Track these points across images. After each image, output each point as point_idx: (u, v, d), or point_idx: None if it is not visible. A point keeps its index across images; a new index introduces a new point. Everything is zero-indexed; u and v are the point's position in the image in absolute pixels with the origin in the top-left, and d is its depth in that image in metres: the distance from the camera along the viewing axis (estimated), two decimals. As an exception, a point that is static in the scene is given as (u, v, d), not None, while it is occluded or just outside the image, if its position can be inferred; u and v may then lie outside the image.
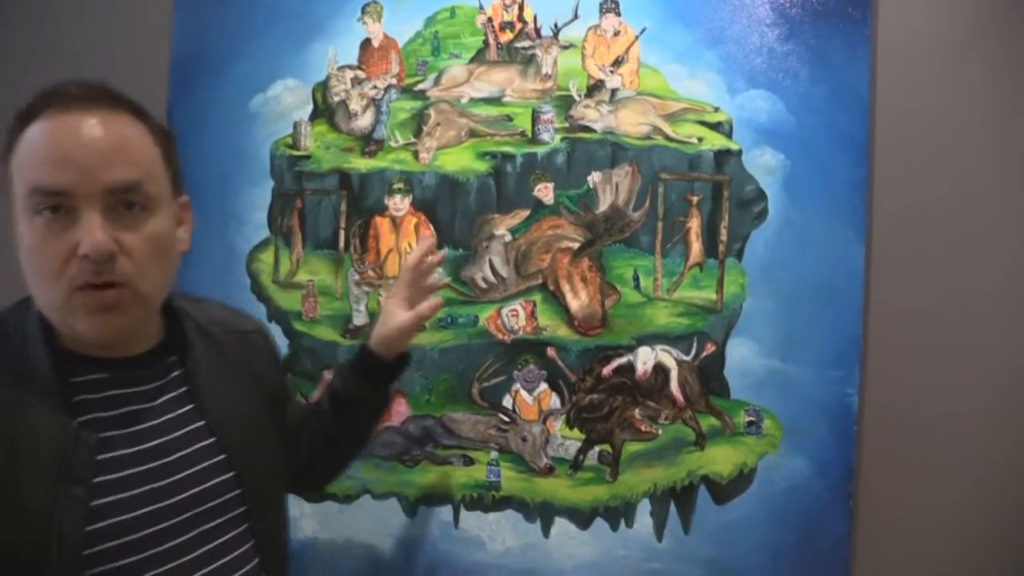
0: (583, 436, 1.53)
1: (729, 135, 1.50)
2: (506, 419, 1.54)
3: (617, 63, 1.53)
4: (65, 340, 0.92)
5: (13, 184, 0.89)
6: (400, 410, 1.57)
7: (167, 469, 0.94)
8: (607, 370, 1.52)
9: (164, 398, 0.98)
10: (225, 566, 0.97)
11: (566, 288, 1.53)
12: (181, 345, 1.03)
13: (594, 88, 1.54)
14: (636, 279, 1.52)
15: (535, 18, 1.56)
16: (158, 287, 0.95)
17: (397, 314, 1.21)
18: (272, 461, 1.10)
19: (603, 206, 1.53)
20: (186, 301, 1.11)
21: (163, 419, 0.97)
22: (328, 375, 1.56)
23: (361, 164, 1.60)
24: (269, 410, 1.12)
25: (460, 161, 1.57)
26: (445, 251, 1.29)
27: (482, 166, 1.56)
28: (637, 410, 1.51)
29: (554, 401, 1.54)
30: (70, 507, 0.85)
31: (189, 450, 0.98)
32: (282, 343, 1.59)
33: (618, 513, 1.51)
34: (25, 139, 0.88)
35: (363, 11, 1.60)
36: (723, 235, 1.50)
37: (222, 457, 1.00)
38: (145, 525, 0.90)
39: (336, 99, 1.61)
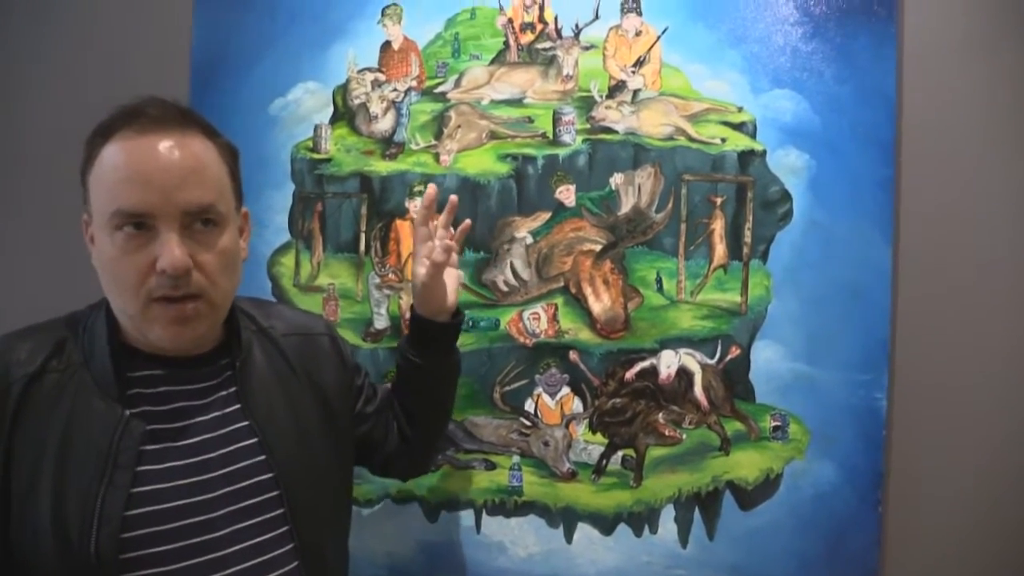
0: (606, 441, 1.51)
1: (753, 135, 1.48)
2: (528, 423, 1.53)
3: (639, 63, 1.52)
4: (127, 337, 1.00)
5: (91, 196, 0.96)
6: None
7: (207, 465, 0.99)
8: (630, 374, 1.50)
9: (214, 397, 1.03)
10: (260, 565, 1.00)
11: (588, 291, 1.52)
12: (237, 347, 1.07)
13: (616, 89, 1.52)
14: (659, 282, 1.50)
15: (556, 19, 1.54)
16: (228, 297, 1.02)
17: (418, 272, 1.22)
18: (320, 464, 1.10)
19: (625, 208, 1.51)
20: (251, 304, 1.17)
21: (209, 417, 1.02)
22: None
23: (382, 167, 1.59)
24: (325, 412, 1.14)
25: (481, 163, 1.56)
26: (454, 198, 1.25)
27: (503, 168, 1.55)
28: (661, 414, 1.49)
29: (576, 405, 1.52)
30: (112, 490, 0.92)
31: (229, 448, 1.01)
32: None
33: (642, 519, 1.49)
34: (104, 158, 0.94)
35: (383, 13, 1.59)
36: (747, 237, 1.48)
37: (262, 458, 1.02)
38: (180, 517, 0.95)
39: (356, 102, 1.61)
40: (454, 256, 1.26)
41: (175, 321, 0.95)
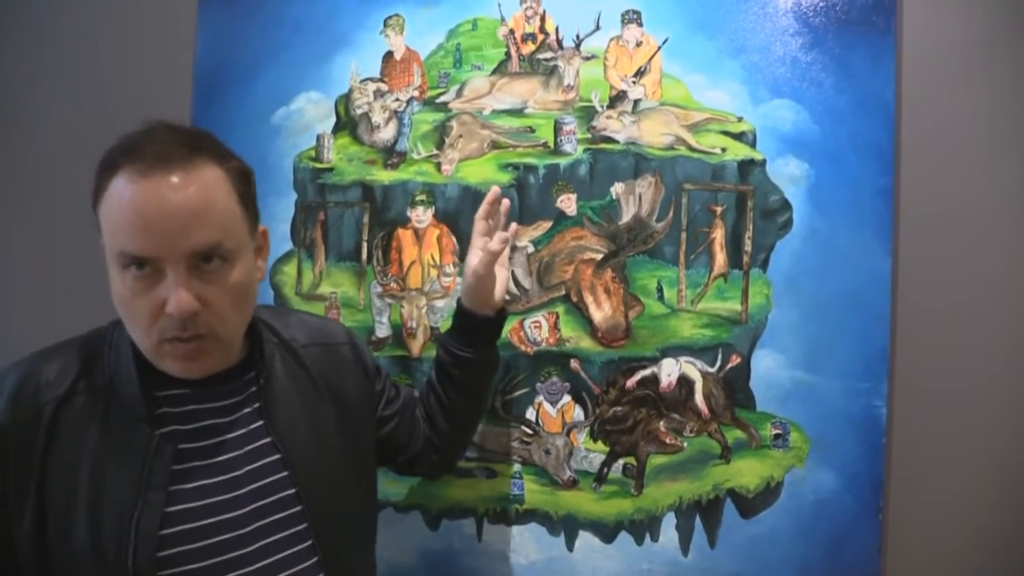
0: (607, 449, 1.52)
1: (753, 145, 1.49)
2: (529, 431, 1.53)
3: (639, 74, 1.53)
4: None
5: (101, 229, 0.96)
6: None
7: (233, 483, 1.00)
8: (631, 382, 1.51)
9: (239, 414, 1.05)
10: None
11: (589, 299, 1.53)
12: (260, 362, 1.08)
13: (616, 99, 1.53)
14: (660, 290, 1.51)
15: (557, 29, 1.56)
16: (239, 328, 1.03)
17: (472, 262, 1.26)
18: (342, 477, 1.12)
19: (626, 217, 1.52)
20: (270, 314, 1.18)
21: (235, 434, 1.03)
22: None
23: (383, 176, 1.60)
24: (346, 424, 1.15)
25: (482, 172, 1.56)
26: (507, 201, 1.36)
27: (504, 177, 1.56)
28: (662, 423, 1.50)
29: (578, 413, 1.53)
30: (148, 511, 0.93)
31: (254, 465, 1.03)
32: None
33: (643, 527, 1.50)
34: (111, 194, 0.93)
35: (385, 24, 1.61)
36: (748, 245, 1.48)
37: (285, 474, 1.04)
38: (212, 534, 0.96)
39: (359, 112, 1.62)
40: (506, 253, 1.32)
41: (184, 358, 0.97)
